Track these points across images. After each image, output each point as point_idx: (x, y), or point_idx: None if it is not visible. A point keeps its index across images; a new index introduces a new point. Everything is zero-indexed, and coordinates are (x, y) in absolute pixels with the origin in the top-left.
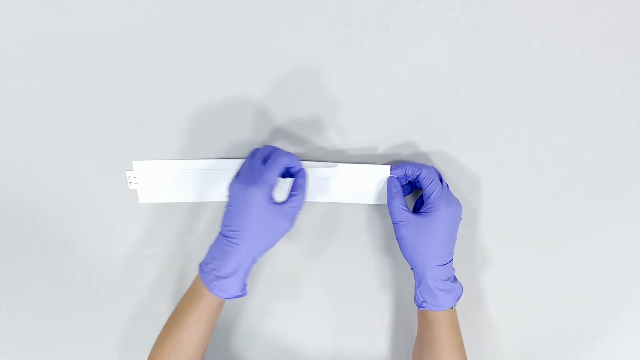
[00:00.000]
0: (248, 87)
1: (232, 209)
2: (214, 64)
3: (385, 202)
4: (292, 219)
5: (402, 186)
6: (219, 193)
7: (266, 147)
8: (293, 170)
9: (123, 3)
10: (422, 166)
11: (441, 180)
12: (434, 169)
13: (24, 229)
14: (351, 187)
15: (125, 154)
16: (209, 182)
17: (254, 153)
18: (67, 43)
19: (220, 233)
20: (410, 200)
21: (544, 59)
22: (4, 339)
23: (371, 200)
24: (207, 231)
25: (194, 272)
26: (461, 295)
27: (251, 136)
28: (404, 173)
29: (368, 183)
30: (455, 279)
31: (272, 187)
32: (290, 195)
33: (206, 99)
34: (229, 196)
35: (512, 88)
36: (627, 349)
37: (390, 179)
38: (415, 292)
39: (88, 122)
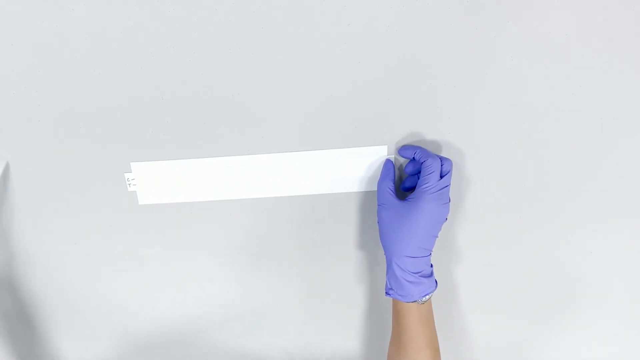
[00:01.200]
0: (248, 87)
1: None
2: (214, 64)
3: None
4: None
5: (409, 167)
6: (219, 192)
7: None
8: None
9: (123, 3)
10: (431, 155)
11: (442, 177)
12: (443, 163)
13: (24, 230)
14: (344, 173)
15: (125, 155)
16: (209, 181)
17: None
18: (67, 43)
19: None
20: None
21: (544, 59)
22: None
23: (364, 186)
24: (207, 231)
25: (194, 271)
26: (432, 292)
27: (251, 136)
28: (412, 156)
29: (363, 166)
30: (429, 275)
31: None
32: None
33: (206, 99)
34: None
35: (512, 88)
36: (607, 347)
37: (387, 161)
38: (386, 278)
39: (88, 122)
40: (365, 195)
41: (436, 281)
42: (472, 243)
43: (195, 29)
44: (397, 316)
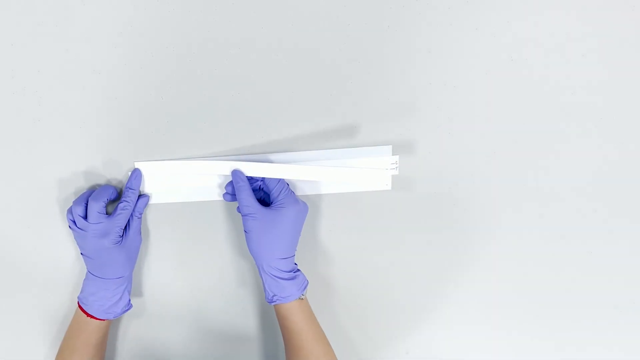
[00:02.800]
0: (248, 87)
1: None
2: (214, 64)
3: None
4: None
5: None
6: (220, 192)
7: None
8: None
9: (123, 3)
10: (256, 179)
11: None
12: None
13: (24, 229)
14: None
15: (125, 155)
16: (210, 181)
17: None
18: (67, 43)
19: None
20: None
21: (544, 59)
22: (5, 338)
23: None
24: (208, 231)
25: (194, 272)
26: (307, 285)
27: (252, 136)
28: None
29: (367, 166)
30: (298, 270)
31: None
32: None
33: (206, 99)
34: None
35: (512, 88)
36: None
37: (235, 172)
38: (264, 288)
39: (88, 123)
40: (369, 196)
41: (304, 275)
42: (472, 246)
43: (195, 29)
44: (284, 321)
